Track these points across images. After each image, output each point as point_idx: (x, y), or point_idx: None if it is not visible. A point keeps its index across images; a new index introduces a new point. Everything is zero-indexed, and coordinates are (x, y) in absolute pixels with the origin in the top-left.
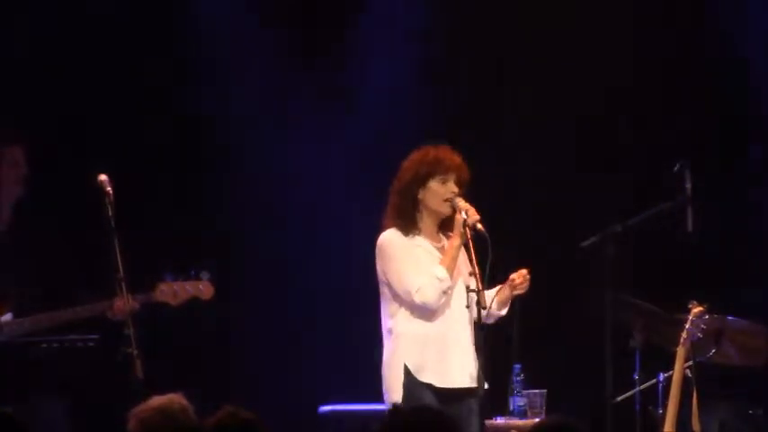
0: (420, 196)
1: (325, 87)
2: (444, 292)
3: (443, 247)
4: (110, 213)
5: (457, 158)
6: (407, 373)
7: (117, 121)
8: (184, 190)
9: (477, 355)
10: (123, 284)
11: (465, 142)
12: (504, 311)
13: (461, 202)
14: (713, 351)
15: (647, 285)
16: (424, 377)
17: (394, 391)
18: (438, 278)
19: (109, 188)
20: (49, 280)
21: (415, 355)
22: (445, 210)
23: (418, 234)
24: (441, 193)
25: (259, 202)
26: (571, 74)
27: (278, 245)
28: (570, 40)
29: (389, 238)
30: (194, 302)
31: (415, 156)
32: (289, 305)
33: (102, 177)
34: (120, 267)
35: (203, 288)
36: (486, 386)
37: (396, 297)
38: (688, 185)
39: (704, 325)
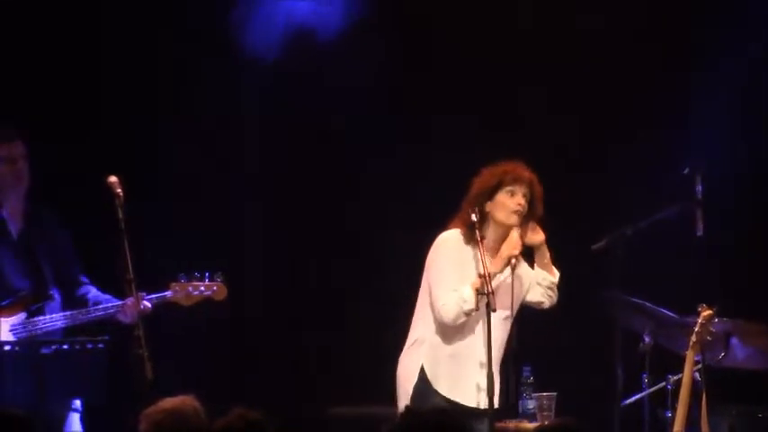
0: (488, 209)
1: None
2: (467, 314)
3: (482, 245)
4: (120, 215)
5: (527, 173)
6: (422, 378)
7: (130, 122)
8: (198, 190)
9: (501, 376)
10: (133, 286)
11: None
12: (555, 275)
13: (512, 240)
14: (722, 354)
15: (656, 288)
16: (438, 386)
17: (404, 393)
18: (463, 299)
19: (119, 189)
20: (63, 280)
21: (434, 364)
22: (512, 221)
23: (478, 246)
24: (507, 204)
25: (270, 202)
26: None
27: (290, 245)
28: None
29: (447, 239)
30: (206, 303)
31: (487, 169)
32: (298, 306)
33: (113, 179)
34: (131, 269)
35: (217, 289)
36: (498, 406)
37: (431, 304)
38: (698, 188)
39: (713, 328)
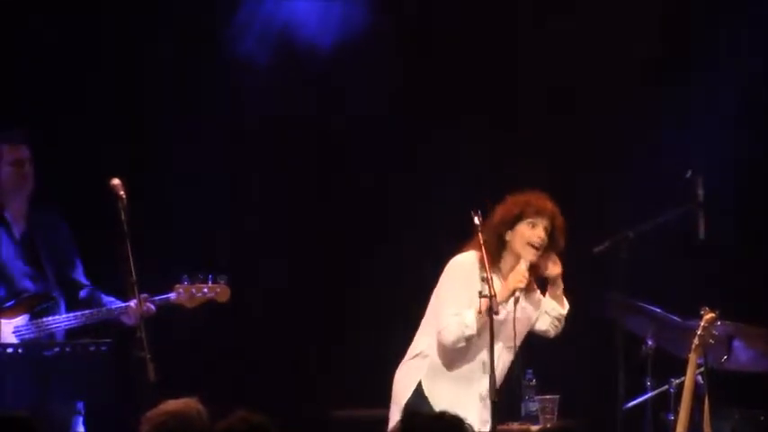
0: (507, 238)
1: None
2: (467, 339)
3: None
4: (123, 217)
5: (549, 205)
6: (418, 392)
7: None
8: (202, 192)
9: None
10: (136, 288)
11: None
12: (565, 307)
13: (520, 271)
14: (725, 357)
15: (659, 291)
16: (435, 403)
17: (397, 406)
18: (465, 324)
19: (122, 192)
20: (66, 283)
21: (433, 382)
22: (528, 255)
23: (495, 273)
24: (527, 236)
25: (272, 203)
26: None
27: (291, 246)
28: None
29: (462, 261)
30: (208, 305)
31: (510, 198)
32: (302, 308)
33: (116, 181)
34: (134, 271)
35: (220, 291)
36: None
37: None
38: (700, 191)
39: (716, 331)
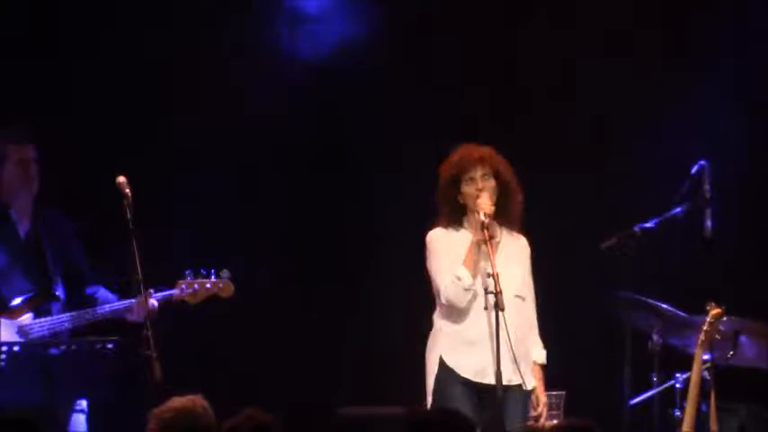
0: (461, 201)
1: None
2: (467, 290)
3: (497, 242)
4: (128, 215)
5: (476, 152)
6: (442, 364)
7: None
8: (206, 188)
9: (517, 354)
10: (142, 286)
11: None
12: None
13: (478, 200)
14: (731, 353)
15: (665, 287)
16: (458, 370)
17: (428, 382)
18: (458, 277)
19: (127, 190)
20: (71, 281)
21: (449, 350)
22: (481, 209)
23: (464, 230)
24: (470, 193)
25: (275, 200)
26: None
27: (294, 244)
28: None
29: (432, 236)
30: (214, 301)
31: (444, 162)
32: (307, 305)
33: (121, 179)
34: (139, 269)
35: (223, 286)
36: (526, 385)
37: (437, 294)
38: (707, 188)
39: (722, 327)
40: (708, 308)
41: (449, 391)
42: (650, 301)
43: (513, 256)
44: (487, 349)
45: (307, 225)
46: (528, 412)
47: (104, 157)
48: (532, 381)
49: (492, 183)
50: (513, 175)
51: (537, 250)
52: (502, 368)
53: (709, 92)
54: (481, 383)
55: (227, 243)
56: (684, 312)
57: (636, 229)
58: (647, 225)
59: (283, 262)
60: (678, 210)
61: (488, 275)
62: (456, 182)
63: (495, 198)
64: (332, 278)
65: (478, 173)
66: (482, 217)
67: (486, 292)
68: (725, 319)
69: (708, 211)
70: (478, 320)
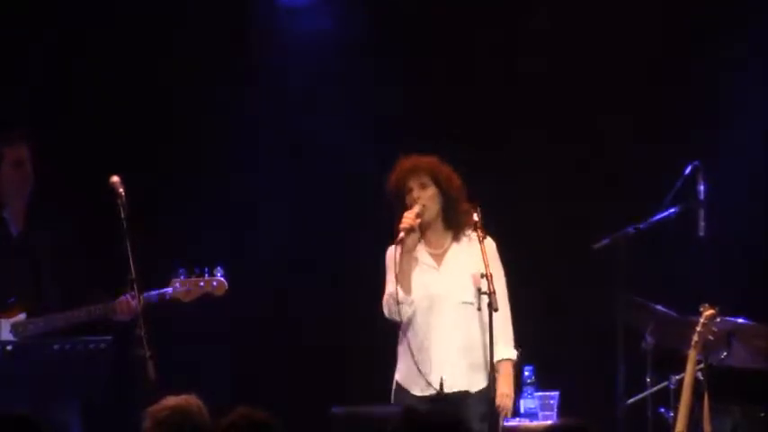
0: None
1: None
2: (400, 303)
3: (445, 251)
4: (122, 215)
5: (406, 164)
6: (397, 384)
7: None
8: (198, 188)
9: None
10: (135, 285)
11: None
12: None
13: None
14: (725, 354)
15: (658, 287)
16: (409, 386)
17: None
18: (388, 293)
19: (121, 189)
20: (65, 281)
21: (402, 366)
22: (425, 217)
23: (420, 245)
24: (409, 204)
25: (272, 201)
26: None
27: (291, 242)
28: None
29: (387, 254)
30: (207, 300)
31: (388, 181)
32: (302, 303)
33: (115, 179)
34: (132, 268)
35: (216, 284)
36: (473, 389)
37: None
38: (700, 188)
39: (716, 327)
40: (701, 308)
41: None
42: (644, 301)
43: (461, 262)
44: (429, 361)
45: (306, 225)
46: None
47: (101, 157)
48: (480, 383)
49: (431, 191)
50: (457, 180)
51: (529, 251)
52: (454, 375)
53: (706, 91)
54: (429, 396)
55: (222, 244)
56: (678, 313)
57: (629, 229)
58: (641, 225)
59: (276, 261)
60: (672, 210)
61: (482, 276)
62: (400, 195)
63: (437, 206)
64: (332, 278)
65: (415, 183)
66: (401, 232)
67: (480, 292)
68: (718, 319)
69: (701, 212)
70: (420, 331)
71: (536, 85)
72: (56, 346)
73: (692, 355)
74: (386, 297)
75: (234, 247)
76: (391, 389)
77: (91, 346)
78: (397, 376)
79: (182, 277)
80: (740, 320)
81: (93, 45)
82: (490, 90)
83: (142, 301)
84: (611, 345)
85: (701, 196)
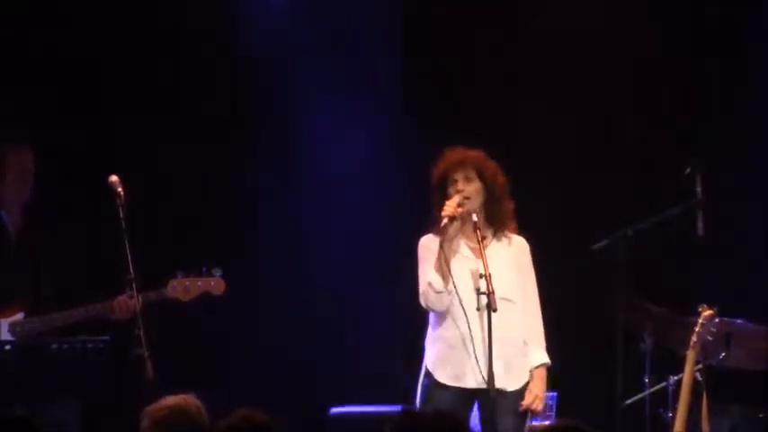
0: None
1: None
2: (438, 293)
3: (485, 246)
4: (121, 214)
5: (458, 155)
6: (427, 373)
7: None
8: (199, 187)
9: (500, 357)
10: (134, 285)
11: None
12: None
13: (447, 203)
14: (723, 354)
15: (657, 288)
16: (440, 377)
17: (418, 390)
18: (427, 282)
19: (120, 189)
20: (62, 280)
21: (434, 356)
22: (466, 208)
23: (462, 239)
24: (452, 196)
25: (272, 201)
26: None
27: (291, 244)
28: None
29: (421, 242)
30: (206, 300)
31: (433, 170)
32: (301, 304)
33: (113, 178)
34: (131, 268)
35: (215, 284)
36: (509, 388)
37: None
38: (699, 188)
39: (714, 328)
40: (700, 309)
41: (431, 395)
42: (643, 302)
43: (501, 259)
44: (466, 353)
45: (305, 225)
46: (519, 415)
47: (101, 157)
48: (516, 383)
49: (476, 185)
50: (502, 177)
51: (531, 252)
52: (484, 371)
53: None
54: (461, 388)
55: (221, 243)
56: (676, 313)
57: (628, 229)
58: (640, 225)
59: (282, 261)
60: (670, 211)
61: (480, 276)
62: (443, 186)
63: (480, 200)
64: (332, 278)
65: (460, 175)
66: (444, 219)
67: (479, 292)
68: (716, 320)
69: (700, 212)
70: (458, 324)
71: (536, 84)
72: (53, 346)
73: (691, 355)
74: (424, 287)
75: (234, 247)
76: (417, 380)
77: (89, 345)
78: (429, 363)
79: (180, 277)
80: (739, 321)
81: (93, 45)
82: (490, 90)
83: (141, 301)
84: (610, 345)
85: (700, 196)
